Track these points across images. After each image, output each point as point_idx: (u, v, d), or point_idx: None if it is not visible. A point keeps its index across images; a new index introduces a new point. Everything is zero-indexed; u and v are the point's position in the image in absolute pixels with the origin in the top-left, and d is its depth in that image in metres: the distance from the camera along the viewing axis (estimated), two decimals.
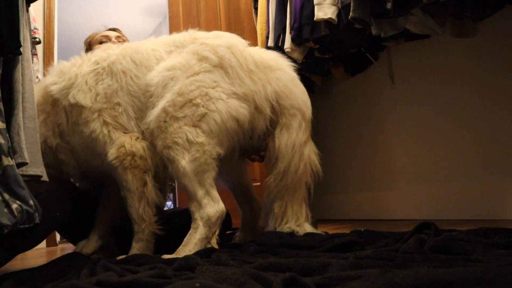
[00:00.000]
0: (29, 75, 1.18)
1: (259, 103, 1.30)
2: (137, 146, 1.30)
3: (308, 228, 1.31)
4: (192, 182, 1.22)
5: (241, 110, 1.26)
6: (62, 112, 1.38)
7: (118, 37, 1.92)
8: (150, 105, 1.30)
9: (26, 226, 1.05)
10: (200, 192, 1.22)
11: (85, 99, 1.33)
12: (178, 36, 1.40)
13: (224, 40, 1.34)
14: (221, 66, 1.29)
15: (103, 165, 1.36)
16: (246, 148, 1.40)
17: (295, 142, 1.32)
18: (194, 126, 1.23)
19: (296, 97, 1.35)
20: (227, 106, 1.25)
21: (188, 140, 1.22)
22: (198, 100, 1.24)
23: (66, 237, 1.84)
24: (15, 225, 1.00)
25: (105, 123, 1.32)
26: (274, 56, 1.41)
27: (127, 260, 1.11)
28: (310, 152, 1.36)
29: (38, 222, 1.10)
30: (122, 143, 1.30)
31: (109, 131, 1.32)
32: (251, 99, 1.29)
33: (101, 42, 1.88)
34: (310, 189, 1.38)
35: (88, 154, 1.38)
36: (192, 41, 1.35)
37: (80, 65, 1.40)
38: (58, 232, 1.87)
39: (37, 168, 1.15)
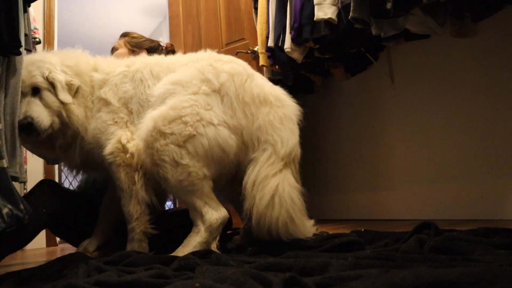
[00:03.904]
0: (19, 69, 1.19)
1: (246, 139, 1.28)
2: (134, 141, 1.33)
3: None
4: (189, 196, 1.25)
5: (229, 141, 1.25)
6: (90, 98, 1.44)
7: (125, 43, 1.97)
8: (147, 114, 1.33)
9: (14, 228, 1.05)
10: (199, 203, 1.24)
11: (114, 99, 1.40)
12: (199, 53, 1.45)
13: (230, 67, 1.34)
14: (219, 92, 1.29)
15: (103, 162, 1.37)
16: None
17: (258, 176, 1.22)
18: (179, 146, 1.22)
19: (274, 133, 1.27)
20: (216, 133, 1.24)
21: (174, 160, 1.22)
22: (188, 119, 1.23)
23: (64, 239, 1.84)
24: (4, 230, 1.01)
25: (127, 121, 1.38)
26: (277, 93, 1.37)
27: (115, 260, 1.08)
28: (283, 184, 1.21)
29: (27, 223, 1.10)
30: (119, 137, 1.34)
31: (127, 127, 1.37)
32: (239, 133, 1.27)
33: (112, 52, 1.94)
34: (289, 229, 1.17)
35: (93, 143, 1.41)
36: (206, 59, 1.38)
37: (117, 66, 1.47)
38: (54, 234, 1.88)
39: (14, 169, 1.16)
